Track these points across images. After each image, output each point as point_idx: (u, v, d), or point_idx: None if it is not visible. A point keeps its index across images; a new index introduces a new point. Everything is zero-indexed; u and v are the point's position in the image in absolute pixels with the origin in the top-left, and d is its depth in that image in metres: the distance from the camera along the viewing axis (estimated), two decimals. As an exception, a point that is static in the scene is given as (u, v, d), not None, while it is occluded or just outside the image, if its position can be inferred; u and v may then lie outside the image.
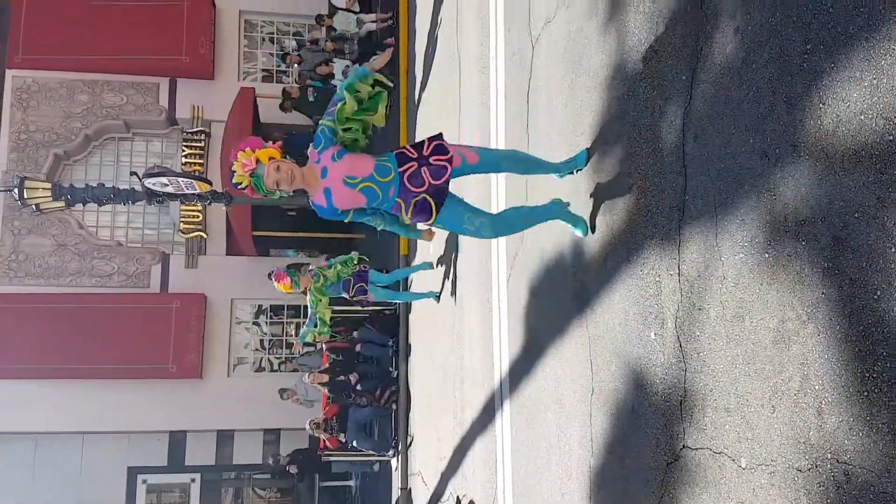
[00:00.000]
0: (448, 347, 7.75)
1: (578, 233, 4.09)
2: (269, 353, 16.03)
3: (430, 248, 9.02)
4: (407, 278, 9.97)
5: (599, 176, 4.02)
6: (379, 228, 3.97)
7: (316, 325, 8.03)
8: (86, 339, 14.08)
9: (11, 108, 15.08)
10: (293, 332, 16.00)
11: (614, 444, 3.73)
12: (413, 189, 3.65)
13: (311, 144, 3.73)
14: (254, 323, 15.96)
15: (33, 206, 10.26)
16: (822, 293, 2.38)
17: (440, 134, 3.86)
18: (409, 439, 10.26)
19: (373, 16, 13.01)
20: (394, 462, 10.96)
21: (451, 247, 7.69)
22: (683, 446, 3.09)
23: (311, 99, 13.08)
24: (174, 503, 15.52)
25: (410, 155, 3.72)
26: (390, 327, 11.42)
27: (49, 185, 10.27)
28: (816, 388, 2.38)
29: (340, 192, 3.62)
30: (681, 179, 3.18)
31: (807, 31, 2.48)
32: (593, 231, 4.03)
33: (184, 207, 14.67)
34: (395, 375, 11.15)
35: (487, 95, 6.35)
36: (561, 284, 4.51)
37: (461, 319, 7.21)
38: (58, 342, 14.02)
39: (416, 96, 10.42)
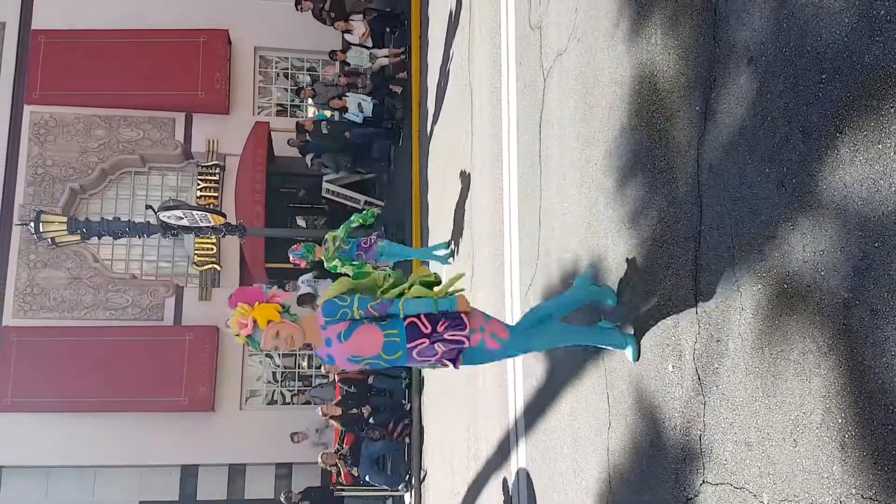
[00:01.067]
0: (462, 379, 7.69)
1: (628, 354, 3.73)
2: (281, 386, 15.97)
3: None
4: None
5: (614, 208, 4.00)
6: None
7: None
8: (99, 372, 14.08)
9: (29, 143, 15.28)
10: (305, 365, 15.95)
11: (632, 480, 3.66)
12: (423, 359, 3.48)
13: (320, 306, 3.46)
14: (266, 355, 15.93)
15: (49, 240, 10.36)
16: (844, 324, 2.34)
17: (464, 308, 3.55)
18: (422, 473, 10.14)
19: (385, 51, 13.17)
20: (407, 497, 10.82)
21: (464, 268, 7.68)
22: (703, 481, 3.03)
23: (324, 132, 13.21)
24: (185, 538, 15.38)
25: (423, 329, 3.42)
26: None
27: (65, 219, 10.38)
28: (839, 421, 2.33)
29: (343, 364, 3.51)
30: (696, 210, 3.16)
31: (821, 62, 2.47)
32: (617, 300, 3.87)
33: (198, 240, 14.75)
34: (407, 408, 11.06)
35: (500, 128, 6.38)
36: (577, 314, 4.47)
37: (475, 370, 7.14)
38: (71, 375, 14.02)
39: (429, 129, 10.49)
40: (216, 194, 15.43)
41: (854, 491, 2.25)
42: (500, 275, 6.23)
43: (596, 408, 4.11)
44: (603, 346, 3.82)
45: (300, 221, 17.12)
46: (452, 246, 8.34)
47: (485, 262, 6.84)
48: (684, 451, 3.19)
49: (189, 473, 14.71)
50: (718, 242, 3.00)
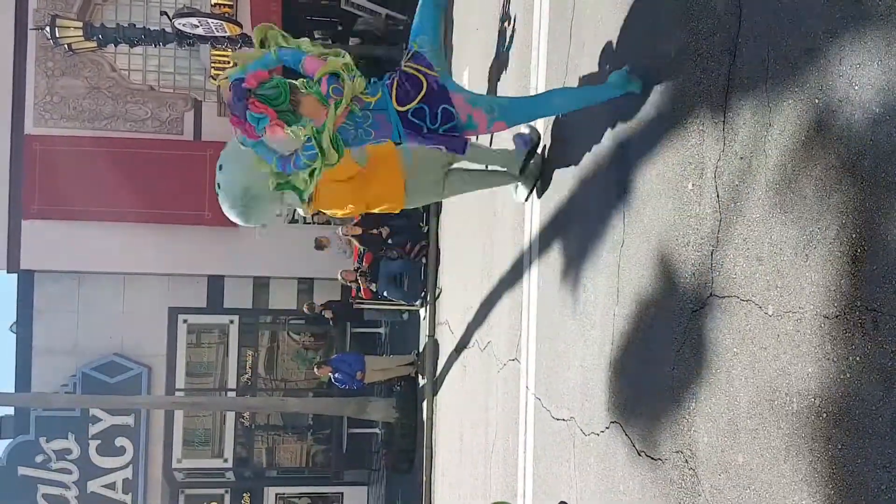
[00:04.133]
0: (481, 203, 7.76)
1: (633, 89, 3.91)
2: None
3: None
4: None
5: (648, 21, 3.83)
6: None
7: None
8: (123, 183, 14.29)
9: (39, -56, 14.62)
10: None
11: (640, 294, 3.78)
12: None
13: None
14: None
15: (65, 46, 10.16)
16: (871, 140, 2.30)
17: None
18: (437, 291, 10.52)
19: None
20: (422, 312, 11.30)
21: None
22: (710, 294, 3.12)
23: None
24: (214, 343, 16.33)
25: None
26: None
27: (80, 25, 10.13)
28: (854, 236, 2.35)
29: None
30: (734, 20, 3.02)
31: None
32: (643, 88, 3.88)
33: (214, 52, 14.40)
34: (425, 230, 11.29)
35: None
36: (600, 134, 4.41)
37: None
38: (95, 185, 14.26)
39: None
40: (231, 2, 14.87)
41: (859, 304, 2.31)
42: (526, 68, 6.08)
43: (611, 226, 4.16)
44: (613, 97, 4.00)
45: (317, 36, 16.58)
46: None
47: (507, 83, 6.67)
48: (694, 265, 3.26)
49: (216, 283, 15.33)
50: (754, 55, 2.89)
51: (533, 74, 5.81)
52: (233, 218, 5.11)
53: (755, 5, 2.89)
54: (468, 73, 8.68)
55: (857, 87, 2.37)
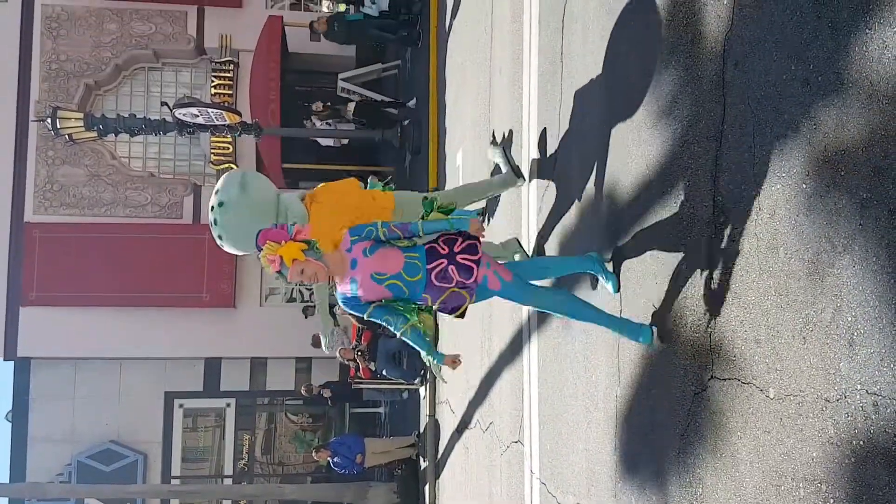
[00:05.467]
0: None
1: (609, 287, 4.10)
2: (299, 285, 16.27)
3: (460, 183, 8.98)
4: None
5: (634, 107, 3.95)
6: (398, 334, 3.78)
7: None
8: (121, 268, 14.38)
9: (42, 38, 15.08)
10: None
11: (641, 375, 3.77)
12: (440, 285, 3.64)
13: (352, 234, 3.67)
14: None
15: (66, 136, 10.37)
16: (860, 224, 2.34)
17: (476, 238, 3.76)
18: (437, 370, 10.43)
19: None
20: (422, 390, 11.18)
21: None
22: (711, 377, 3.11)
23: (336, 29, 12.91)
24: (210, 426, 16.09)
25: (441, 251, 3.67)
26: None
27: (81, 116, 10.35)
28: (849, 319, 2.37)
29: (366, 285, 3.61)
30: (719, 108, 3.11)
31: (858, -49, 2.37)
32: (617, 289, 4.05)
33: (214, 139, 14.72)
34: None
35: (521, 23, 6.21)
36: (591, 217, 4.48)
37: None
38: (94, 270, 14.33)
39: (448, 24, 10.21)
40: (231, 92, 15.28)
41: (859, 387, 2.31)
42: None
43: (609, 307, 4.18)
44: (617, 331, 3.88)
45: (316, 122, 16.95)
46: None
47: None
48: (693, 347, 3.26)
49: (212, 366, 15.24)
50: (740, 142, 2.97)
51: (525, 155, 5.94)
52: (232, 249, 5.36)
53: (739, 94, 2.99)
54: (462, 153, 8.86)
55: (843, 173, 2.42)
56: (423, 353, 3.87)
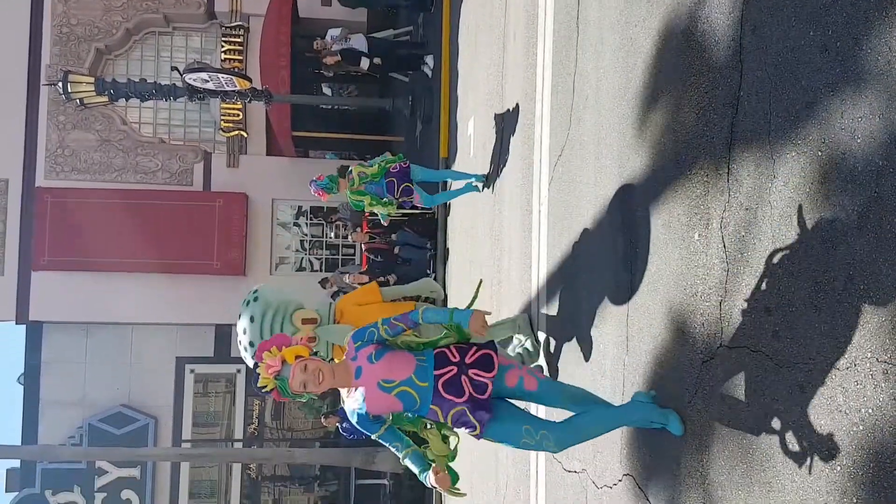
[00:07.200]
0: (486, 253, 7.80)
1: (673, 431, 3.43)
2: (309, 254, 16.30)
3: (471, 152, 8.95)
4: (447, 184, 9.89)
5: (651, 73, 3.90)
6: (401, 459, 3.42)
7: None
8: (132, 234, 14.43)
9: (53, 1, 15.00)
10: (332, 235, 16.18)
11: (649, 344, 3.77)
12: (449, 398, 3.24)
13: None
14: (294, 224, 16.18)
15: (77, 101, 10.36)
16: (875, 192, 2.32)
17: (493, 343, 3.44)
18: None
19: None
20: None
21: (494, 155, 7.62)
22: (720, 345, 3.11)
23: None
24: (221, 392, 16.25)
25: (451, 358, 3.31)
26: (429, 230, 11.49)
27: (92, 80, 10.33)
28: (861, 288, 2.36)
29: (374, 395, 3.25)
30: (736, 75, 3.08)
31: (882, -87, 2.32)
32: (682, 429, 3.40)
33: (224, 105, 14.67)
34: (432, 277, 11.30)
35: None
36: (605, 186, 4.46)
37: (501, 224, 7.21)
38: (105, 236, 14.40)
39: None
40: (241, 57, 15.18)
41: (870, 355, 2.31)
42: (528, 144, 6.18)
43: (619, 276, 4.17)
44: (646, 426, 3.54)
45: (326, 89, 16.84)
46: (480, 180, 7.96)
47: (515, 128, 6.76)
48: (703, 316, 3.26)
49: (223, 332, 15.32)
50: (756, 109, 2.94)
51: (538, 123, 5.90)
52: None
53: (756, 60, 2.95)
54: (473, 121, 8.81)
55: (859, 140, 2.40)
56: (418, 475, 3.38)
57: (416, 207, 8.50)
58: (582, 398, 3.60)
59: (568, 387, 3.63)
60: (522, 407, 3.59)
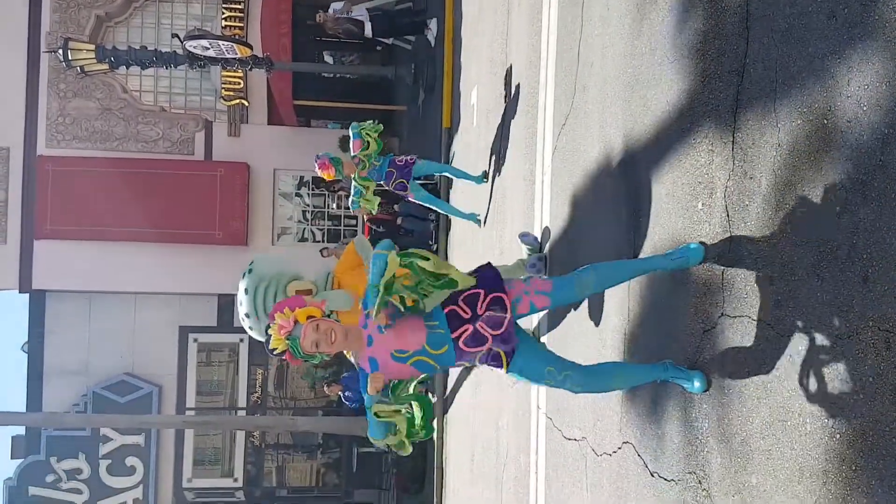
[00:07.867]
0: (489, 222, 7.80)
1: (695, 389, 3.26)
2: (311, 225, 16.29)
3: (474, 121, 8.90)
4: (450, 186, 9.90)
5: (657, 39, 3.86)
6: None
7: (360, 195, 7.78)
8: (134, 203, 14.42)
9: (52, -34, 14.85)
10: (335, 206, 16.16)
11: (651, 312, 3.78)
12: (473, 350, 3.21)
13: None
14: (296, 195, 16.15)
15: (78, 68, 10.29)
16: (880, 161, 2.31)
17: (499, 281, 3.32)
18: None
19: None
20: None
21: (498, 132, 7.58)
22: (722, 314, 3.12)
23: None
24: (224, 361, 16.36)
25: (463, 315, 3.20)
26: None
27: (93, 47, 10.26)
28: (864, 256, 2.35)
29: (390, 366, 3.20)
30: (742, 42, 3.04)
31: None
32: (708, 386, 3.22)
33: (225, 73, 14.57)
34: (434, 248, 11.30)
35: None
36: (609, 155, 4.44)
37: (503, 194, 7.20)
38: (107, 205, 14.39)
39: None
40: (241, 24, 15.04)
41: (872, 324, 2.31)
42: (533, 110, 6.14)
43: (621, 245, 4.17)
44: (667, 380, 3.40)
45: (327, 57, 16.70)
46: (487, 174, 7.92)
47: (518, 97, 6.72)
48: (705, 285, 3.26)
49: (226, 302, 15.37)
50: (762, 76, 2.91)
51: (542, 92, 5.86)
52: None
53: (763, 27, 2.92)
54: (477, 90, 8.75)
55: (865, 108, 2.38)
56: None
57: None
58: (594, 282, 3.43)
59: (575, 276, 3.43)
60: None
